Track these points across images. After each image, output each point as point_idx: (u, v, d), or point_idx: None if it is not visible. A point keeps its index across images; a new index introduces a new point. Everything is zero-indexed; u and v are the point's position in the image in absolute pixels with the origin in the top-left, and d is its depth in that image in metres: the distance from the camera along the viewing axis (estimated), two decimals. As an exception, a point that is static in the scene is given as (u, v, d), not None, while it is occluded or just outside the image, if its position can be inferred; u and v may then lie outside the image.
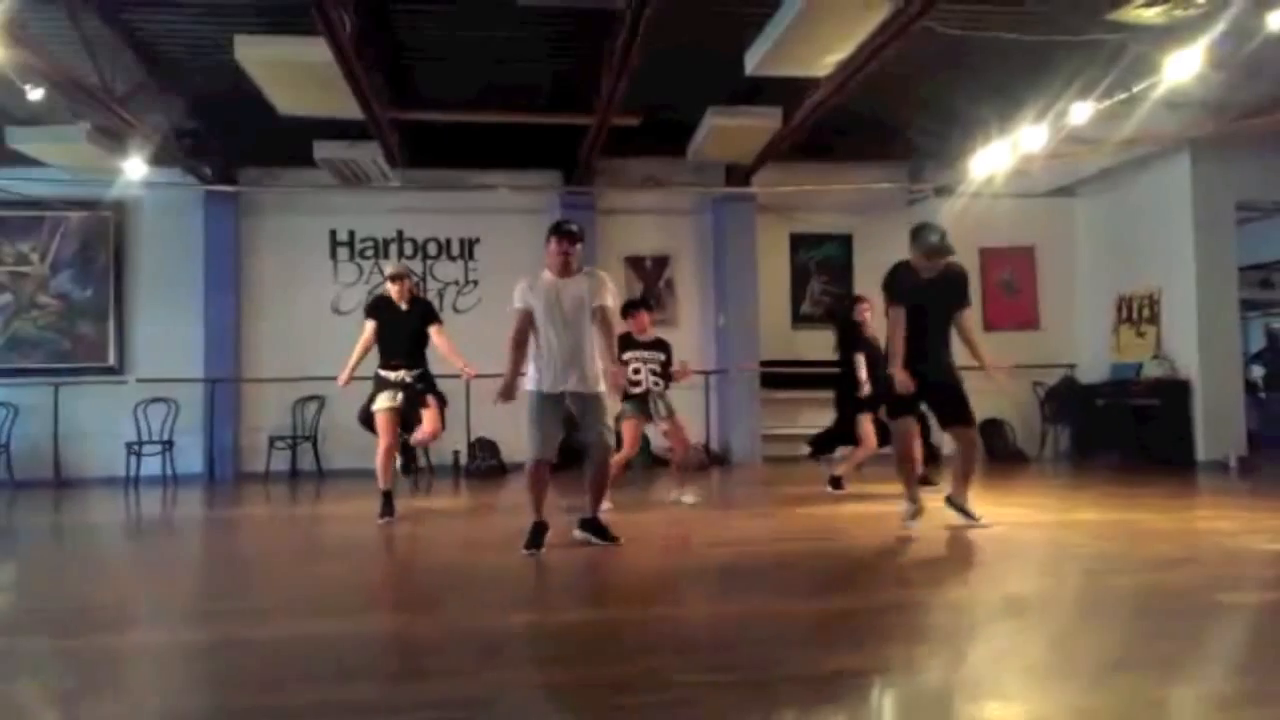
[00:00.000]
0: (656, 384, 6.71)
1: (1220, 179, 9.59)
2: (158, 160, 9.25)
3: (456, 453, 10.28)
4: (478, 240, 11.00)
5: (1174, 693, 2.57)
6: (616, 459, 6.51)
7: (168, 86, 8.49)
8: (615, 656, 3.01)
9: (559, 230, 4.92)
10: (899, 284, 5.36)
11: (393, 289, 6.34)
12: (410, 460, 7.05)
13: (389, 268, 6.80)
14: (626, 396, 6.50)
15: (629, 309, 6.85)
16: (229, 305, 10.55)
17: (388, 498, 6.23)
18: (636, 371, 6.60)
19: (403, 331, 6.29)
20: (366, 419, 6.34)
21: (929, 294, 5.31)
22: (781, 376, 10.99)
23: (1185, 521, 5.94)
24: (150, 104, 8.46)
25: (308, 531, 6.59)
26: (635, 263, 11.30)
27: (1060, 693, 2.57)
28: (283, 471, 10.17)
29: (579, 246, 4.91)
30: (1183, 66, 6.70)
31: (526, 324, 4.89)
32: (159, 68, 8.19)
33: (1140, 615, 3.48)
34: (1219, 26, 6.43)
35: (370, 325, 6.36)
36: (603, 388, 4.89)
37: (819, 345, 11.31)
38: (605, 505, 5.97)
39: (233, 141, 9.94)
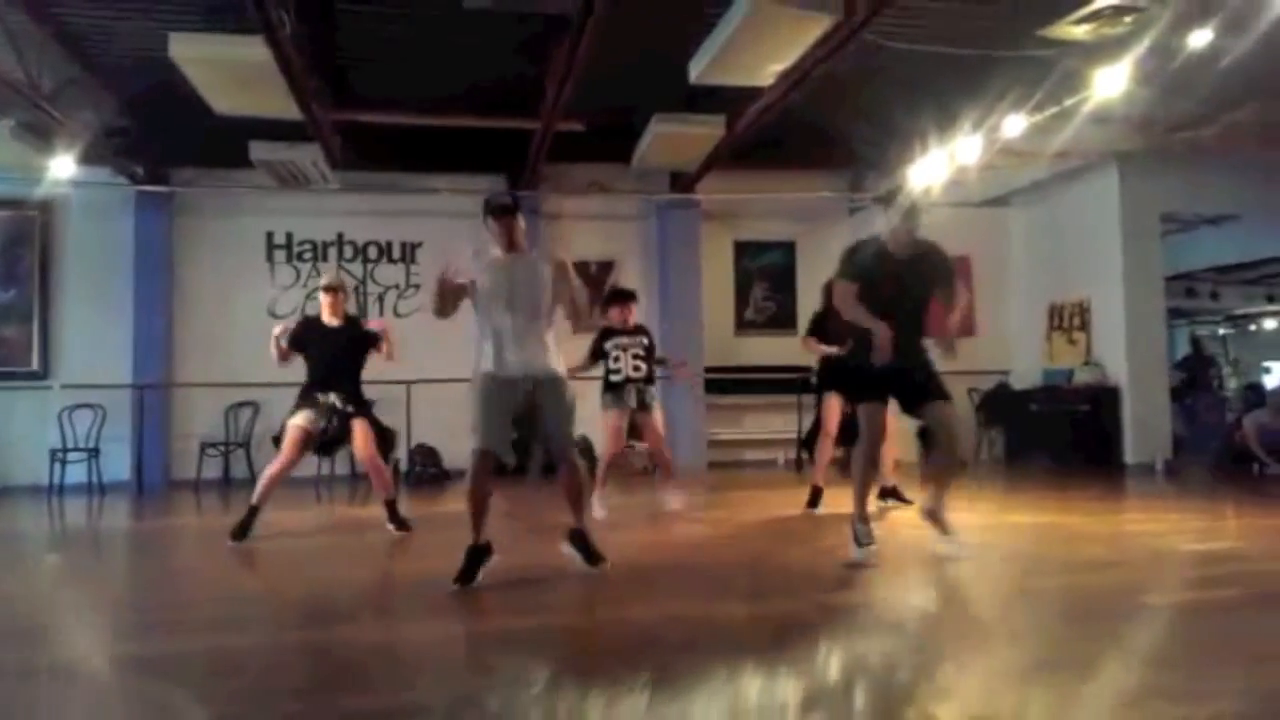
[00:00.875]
0: (638, 369, 6.32)
1: (1146, 192, 9.92)
2: (87, 159, 8.97)
3: (397, 460, 10.12)
4: (420, 244, 10.88)
5: (1096, 690, 2.63)
6: (603, 457, 6.43)
7: (98, 83, 8.24)
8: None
9: (493, 208, 4.27)
10: (858, 259, 4.76)
11: (325, 301, 5.90)
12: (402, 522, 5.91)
13: (324, 276, 6.29)
14: (607, 386, 6.26)
15: (610, 301, 6.60)
16: (160, 308, 10.25)
17: (253, 515, 5.54)
18: (616, 359, 6.28)
19: (332, 351, 5.80)
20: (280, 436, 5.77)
21: (902, 276, 4.70)
22: (726, 382, 11.08)
23: (1113, 524, 6.11)
24: (79, 101, 8.19)
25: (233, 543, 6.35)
26: (580, 268, 11.25)
27: (988, 694, 2.63)
28: (215, 479, 9.92)
29: (520, 218, 4.30)
30: (1111, 82, 6.94)
31: (459, 292, 4.24)
32: (89, 64, 7.94)
33: (1067, 616, 3.58)
34: (1144, 44, 6.66)
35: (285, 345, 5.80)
36: (563, 370, 4.27)
37: (763, 351, 11.53)
38: (600, 512, 5.93)
39: (166, 140, 9.67)
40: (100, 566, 5.72)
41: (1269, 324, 18.71)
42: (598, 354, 6.40)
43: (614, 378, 6.26)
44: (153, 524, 7.59)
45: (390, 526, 5.82)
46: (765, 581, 4.33)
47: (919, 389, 4.62)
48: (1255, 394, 11.27)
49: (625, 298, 6.62)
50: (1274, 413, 8.97)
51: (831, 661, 2.94)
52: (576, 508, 4.33)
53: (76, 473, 9.52)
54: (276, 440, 5.75)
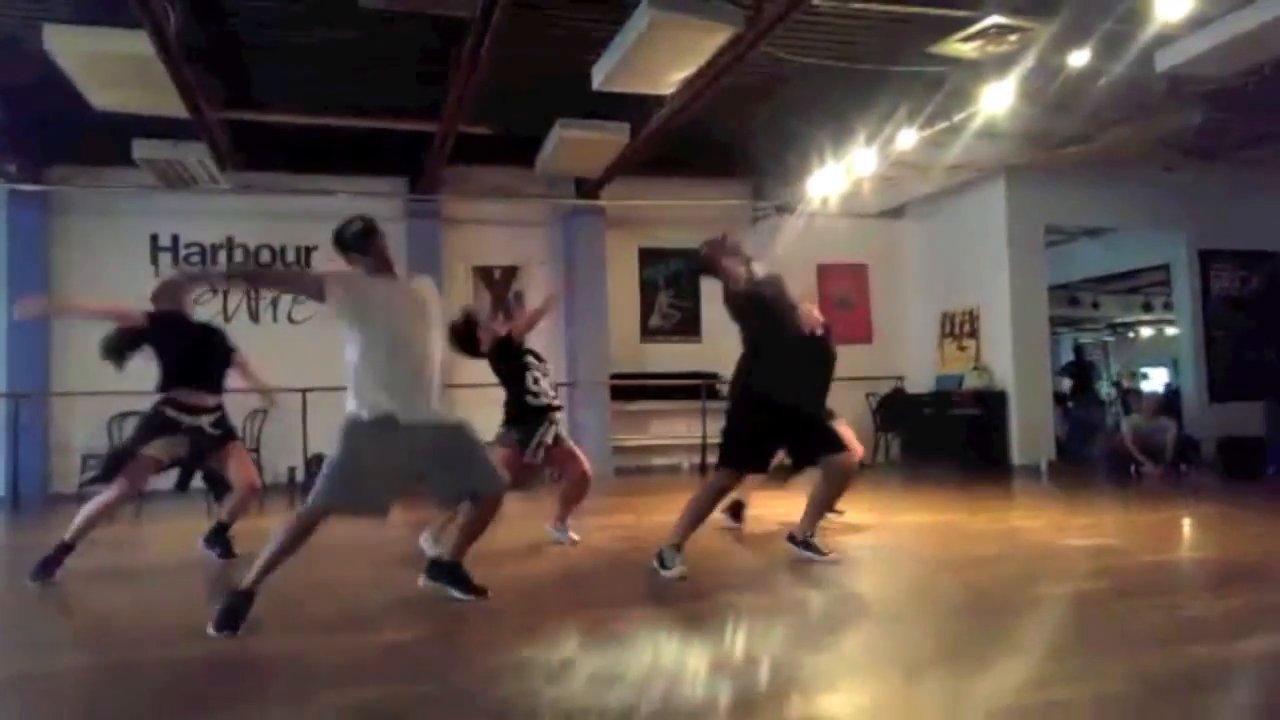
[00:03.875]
0: (555, 395, 5.51)
1: (1032, 204, 10.39)
2: (-47, 154, 8.45)
3: (292, 469, 9.82)
4: (315, 248, 10.55)
5: (984, 679, 2.72)
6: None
7: (-36, 74, 7.76)
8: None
9: (373, 227, 3.85)
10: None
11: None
12: (229, 548, 5.23)
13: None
14: (522, 412, 5.31)
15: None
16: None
17: (67, 551, 4.68)
18: (536, 382, 5.37)
19: (205, 349, 5.10)
20: (116, 458, 4.90)
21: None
22: (631, 389, 11.12)
23: (1000, 522, 6.36)
24: (-57, 92, 7.72)
25: (113, 557, 5.77)
26: (484, 273, 11.17)
27: (879, 686, 2.69)
28: (95, 492, 9.40)
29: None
30: (997, 99, 7.25)
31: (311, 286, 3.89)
32: (-46, 53, 7.48)
33: (955, 609, 3.70)
34: (1028, 63, 6.98)
35: (137, 321, 5.01)
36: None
37: (668, 357, 11.61)
38: (573, 536, 5.42)
39: (43, 136, 9.18)
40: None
41: (1146, 331, 19.83)
42: (509, 362, 5.48)
43: (532, 400, 5.33)
44: (21, 539, 7.15)
45: (212, 550, 5.19)
46: (659, 583, 4.33)
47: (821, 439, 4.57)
48: (1134, 399, 11.88)
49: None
50: (1149, 416, 9.46)
51: (722, 660, 2.96)
52: (467, 543, 3.98)
53: (-58, 488, 8.94)
54: (111, 462, 4.93)
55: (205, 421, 4.96)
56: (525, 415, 5.33)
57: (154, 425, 4.86)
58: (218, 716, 2.62)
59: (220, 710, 2.67)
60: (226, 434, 5.11)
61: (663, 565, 4.36)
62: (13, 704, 2.80)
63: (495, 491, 3.89)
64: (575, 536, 5.52)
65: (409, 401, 3.65)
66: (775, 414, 4.45)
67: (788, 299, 4.70)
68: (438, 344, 3.90)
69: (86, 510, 4.77)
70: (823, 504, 4.80)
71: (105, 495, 4.80)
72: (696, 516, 4.51)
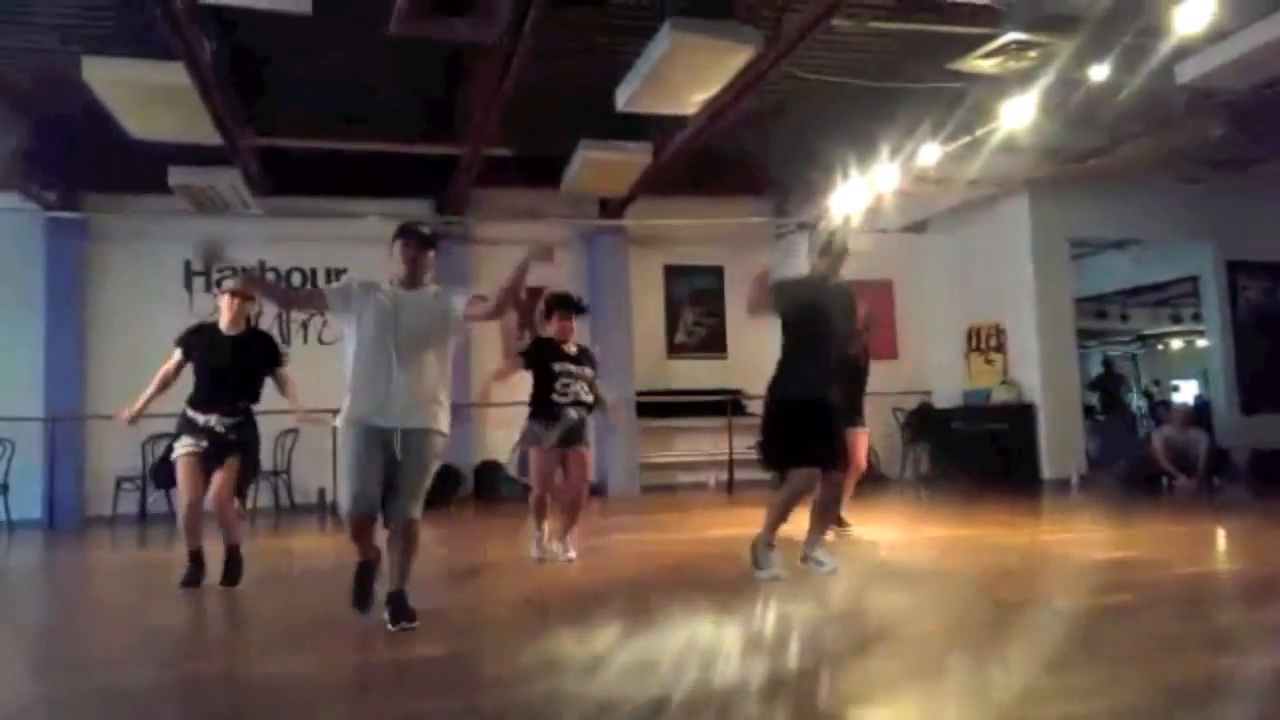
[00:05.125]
0: (588, 397, 5.52)
1: (1056, 217, 10.35)
2: (-6, 184, 8.69)
3: (322, 490, 9.94)
4: (344, 270, 10.68)
5: (1004, 689, 2.73)
6: (535, 499, 5.59)
7: (7, 106, 7.99)
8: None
9: (407, 232, 3.94)
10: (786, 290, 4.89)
11: (224, 305, 5.13)
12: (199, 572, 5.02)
13: (227, 281, 5.50)
14: (545, 410, 5.41)
15: (553, 309, 5.68)
16: (73, 338, 9.91)
17: (196, 559, 4.98)
18: (566, 386, 5.45)
19: (224, 363, 5.05)
20: (160, 471, 5.10)
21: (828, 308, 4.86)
22: (657, 405, 11.16)
23: (1029, 535, 6.32)
24: (-14, 124, 7.95)
25: (147, 579, 5.95)
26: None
27: (901, 697, 2.71)
28: (131, 515, 9.59)
29: (431, 254, 3.94)
30: (1018, 113, 7.26)
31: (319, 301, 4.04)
32: (-3, 86, 7.72)
33: (980, 621, 3.70)
34: (1049, 77, 6.99)
35: (176, 357, 5.14)
36: (445, 427, 3.88)
37: (694, 374, 11.65)
38: (570, 554, 5.45)
39: (80, 165, 9.42)
40: (30, 603, 5.47)
41: (1175, 344, 19.60)
42: (537, 369, 5.55)
43: (558, 398, 5.40)
44: (62, 561, 7.31)
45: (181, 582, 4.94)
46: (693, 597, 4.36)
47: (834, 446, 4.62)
48: (1165, 411, 11.76)
49: (567, 308, 5.66)
50: (1179, 428, 9.37)
51: (752, 665, 2.99)
52: (403, 573, 3.79)
53: (-17, 510, 9.13)
54: (156, 476, 5.13)
55: (215, 421, 4.99)
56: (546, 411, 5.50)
57: (178, 429, 5.07)
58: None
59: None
60: (237, 445, 5.03)
61: (757, 566, 4.53)
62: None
63: (408, 521, 3.78)
64: (573, 555, 5.51)
65: (388, 409, 3.76)
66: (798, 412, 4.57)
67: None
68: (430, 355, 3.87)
69: (184, 527, 5.02)
70: (822, 517, 4.83)
71: (179, 509, 5.05)
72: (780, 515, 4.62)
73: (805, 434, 4.56)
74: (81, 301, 10.03)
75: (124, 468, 9.71)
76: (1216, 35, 6.32)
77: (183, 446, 4.96)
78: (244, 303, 5.15)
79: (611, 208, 10.83)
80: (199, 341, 5.17)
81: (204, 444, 4.95)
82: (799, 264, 10.05)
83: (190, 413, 5.03)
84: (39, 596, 5.85)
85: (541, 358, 5.54)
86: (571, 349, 5.60)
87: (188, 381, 5.14)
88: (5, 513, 9.22)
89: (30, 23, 6.74)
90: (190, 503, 4.94)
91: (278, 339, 6.51)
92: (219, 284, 5.33)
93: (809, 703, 2.73)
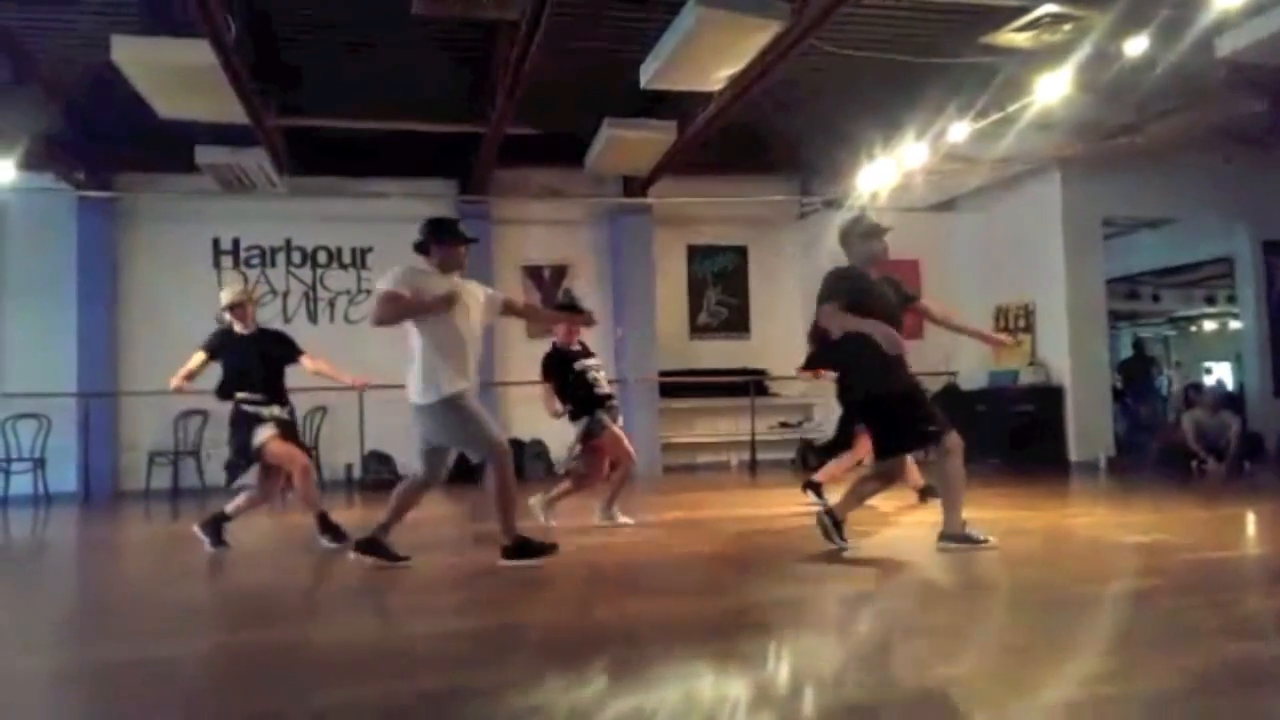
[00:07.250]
0: (610, 384, 6.20)
1: (1088, 196, 10.18)
2: (26, 164, 8.78)
3: (350, 466, 10.06)
4: (370, 249, 10.79)
5: (1034, 673, 2.71)
6: (619, 473, 6.09)
7: (37, 87, 8.07)
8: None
9: (458, 233, 4.65)
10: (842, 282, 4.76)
11: (235, 319, 5.56)
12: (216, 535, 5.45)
13: (225, 293, 5.77)
14: (593, 402, 5.90)
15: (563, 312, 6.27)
16: (105, 316, 10.07)
17: (325, 520, 5.43)
18: (594, 378, 5.98)
19: (253, 359, 5.46)
20: (242, 460, 5.41)
21: (884, 293, 4.81)
22: (680, 386, 11.15)
23: (1056, 518, 6.26)
24: (17, 104, 8.02)
25: (181, 552, 6.11)
26: (533, 272, 11.29)
27: (928, 680, 2.70)
28: (164, 489, 9.74)
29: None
30: (1052, 89, 7.12)
31: (401, 311, 4.44)
32: (28, 66, 7.78)
33: (1007, 605, 3.68)
34: (1084, 51, 6.85)
35: (200, 358, 5.54)
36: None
37: (717, 354, 11.63)
38: (627, 519, 5.99)
39: (110, 145, 9.52)
40: (41, 577, 5.59)
41: (1209, 325, 19.28)
42: (564, 376, 5.96)
43: (599, 390, 5.96)
44: (97, 534, 7.44)
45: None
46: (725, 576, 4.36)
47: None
48: (1195, 393, 11.58)
49: (572, 311, 6.10)
50: (1209, 411, 9.23)
51: (782, 652, 2.99)
52: (390, 523, 4.63)
53: (21, 484, 9.32)
54: (241, 464, 5.45)
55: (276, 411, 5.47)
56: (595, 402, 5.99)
57: (240, 423, 5.41)
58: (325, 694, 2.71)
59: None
60: (293, 427, 5.60)
61: (970, 540, 4.64)
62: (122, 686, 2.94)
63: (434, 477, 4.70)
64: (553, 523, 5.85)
65: (470, 377, 4.56)
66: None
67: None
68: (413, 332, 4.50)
69: (305, 497, 5.47)
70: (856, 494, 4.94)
71: (299, 488, 5.50)
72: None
73: (913, 416, 4.70)
74: (113, 279, 10.18)
75: (157, 443, 9.88)
76: (1257, 8, 6.16)
77: (263, 432, 5.34)
78: (249, 309, 5.63)
79: (635, 187, 10.78)
80: (225, 344, 5.58)
81: (278, 428, 5.40)
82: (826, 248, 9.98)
83: (248, 409, 5.40)
84: (100, 566, 5.96)
85: (564, 364, 5.98)
86: (577, 346, 6.10)
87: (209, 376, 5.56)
88: (43, 485, 9.40)
89: (59, 2, 6.80)
90: (305, 466, 5.45)
91: (297, 323, 6.80)
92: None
93: (826, 683, 2.73)
